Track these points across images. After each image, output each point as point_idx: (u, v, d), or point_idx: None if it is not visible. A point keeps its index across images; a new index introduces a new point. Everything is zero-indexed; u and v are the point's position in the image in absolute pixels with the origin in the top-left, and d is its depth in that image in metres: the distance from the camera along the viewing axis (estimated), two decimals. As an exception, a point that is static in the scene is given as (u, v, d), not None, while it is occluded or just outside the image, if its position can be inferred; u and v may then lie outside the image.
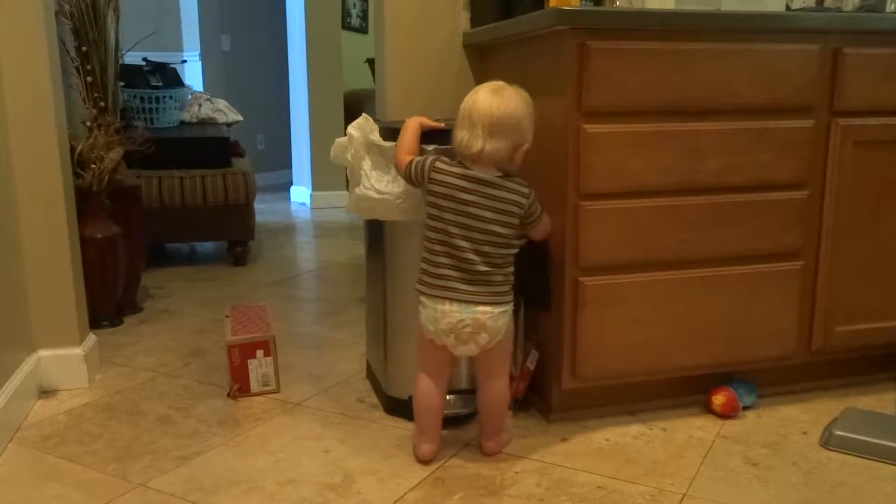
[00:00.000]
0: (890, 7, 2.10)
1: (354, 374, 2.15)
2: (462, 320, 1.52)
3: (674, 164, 1.71)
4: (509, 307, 1.56)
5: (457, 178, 1.52)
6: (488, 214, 1.51)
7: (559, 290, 1.73)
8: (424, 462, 1.61)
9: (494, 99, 1.48)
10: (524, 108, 1.51)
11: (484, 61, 2.16)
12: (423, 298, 1.56)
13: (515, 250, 1.56)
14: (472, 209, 1.50)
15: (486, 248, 1.51)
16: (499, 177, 1.52)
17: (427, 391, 1.61)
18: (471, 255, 1.51)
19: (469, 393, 1.76)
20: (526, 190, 1.54)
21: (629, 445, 1.71)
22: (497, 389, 1.63)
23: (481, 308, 1.52)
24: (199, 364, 2.24)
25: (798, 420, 1.84)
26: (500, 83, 1.52)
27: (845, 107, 1.81)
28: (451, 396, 1.76)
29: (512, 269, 1.56)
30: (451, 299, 1.52)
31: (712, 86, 1.70)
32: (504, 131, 1.48)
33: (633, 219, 1.71)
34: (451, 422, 1.73)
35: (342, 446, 1.71)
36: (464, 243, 1.51)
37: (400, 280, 1.77)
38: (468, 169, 1.52)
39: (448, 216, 1.52)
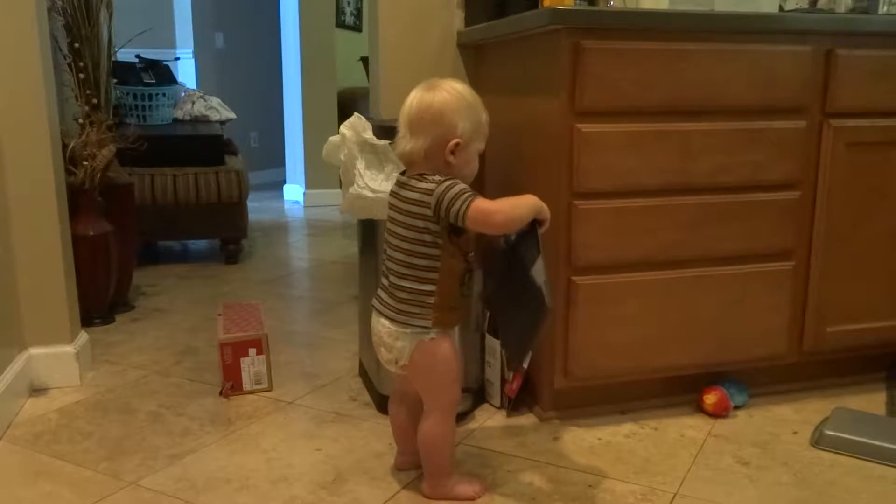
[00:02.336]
0: (882, 9, 2.11)
1: (347, 372, 2.15)
2: (374, 327, 1.45)
3: (667, 164, 1.72)
4: (413, 332, 1.39)
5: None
6: (399, 217, 1.39)
7: (552, 288, 1.72)
8: (397, 470, 1.60)
9: (419, 94, 1.37)
10: (452, 101, 1.35)
11: (478, 60, 2.16)
12: None
13: (427, 263, 1.37)
14: (390, 213, 1.42)
15: (396, 255, 1.39)
16: (416, 176, 1.38)
17: (390, 407, 1.59)
18: (388, 263, 1.42)
19: (464, 391, 1.75)
20: (432, 186, 1.34)
21: (621, 444, 1.72)
22: (421, 429, 1.46)
23: (383, 320, 1.42)
24: (191, 362, 2.24)
25: (789, 419, 1.85)
26: (438, 79, 1.39)
27: (837, 108, 1.82)
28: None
29: (427, 288, 1.37)
30: (374, 306, 1.46)
31: (706, 86, 1.71)
32: (422, 126, 1.35)
33: (626, 218, 1.71)
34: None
35: (334, 445, 1.71)
36: (387, 249, 1.42)
37: (393, 279, 1.76)
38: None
39: (386, 225, 1.45)
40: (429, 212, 1.35)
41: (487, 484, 1.54)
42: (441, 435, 1.46)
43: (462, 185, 1.35)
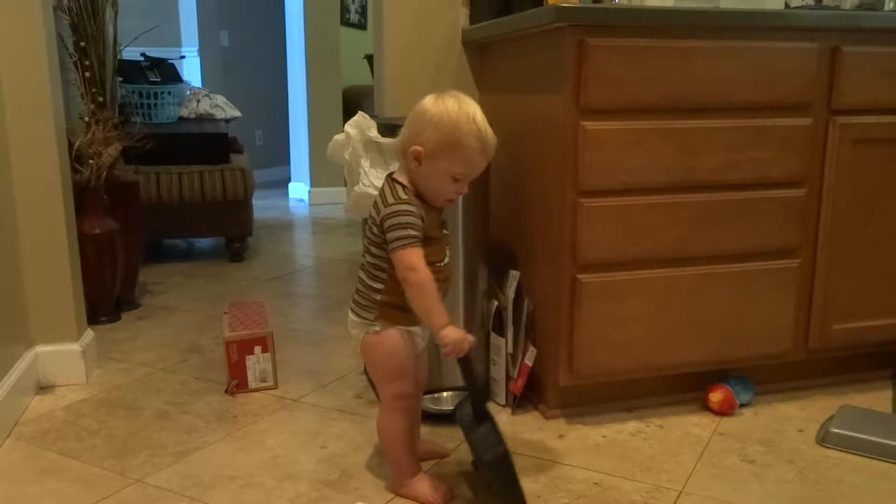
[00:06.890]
0: (888, 5, 2.10)
1: (352, 370, 2.15)
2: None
3: (672, 162, 1.71)
4: (363, 323, 1.42)
5: None
6: (372, 210, 1.40)
7: (557, 286, 1.73)
8: None
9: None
10: (434, 111, 1.34)
11: (482, 58, 2.16)
12: None
13: (376, 262, 1.39)
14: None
15: (364, 244, 1.43)
16: (390, 177, 1.40)
17: None
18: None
19: (463, 389, 1.75)
20: (391, 199, 1.35)
21: (626, 442, 1.72)
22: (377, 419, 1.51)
23: (350, 307, 1.47)
24: (197, 360, 2.24)
25: (795, 417, 1.84)
26: (454, 91, 1.38)
27: (843, 105, 1.81)
28: (447, 393, 1.77)
29: (376, 285, 1.39)
30: None
31: (711, 83, 1.70)
32: (407, 121, 1.38)
33: (631, 216, 1.71)
34: (447, 419, 1.73)
35: (339, 442, 1.72)
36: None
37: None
38: None
39: None
40: (377, 222, 1.37)
41: (456, 493, 1.50)
42: (384, 428, 1.48)
43: (408, 221, 1.32)
